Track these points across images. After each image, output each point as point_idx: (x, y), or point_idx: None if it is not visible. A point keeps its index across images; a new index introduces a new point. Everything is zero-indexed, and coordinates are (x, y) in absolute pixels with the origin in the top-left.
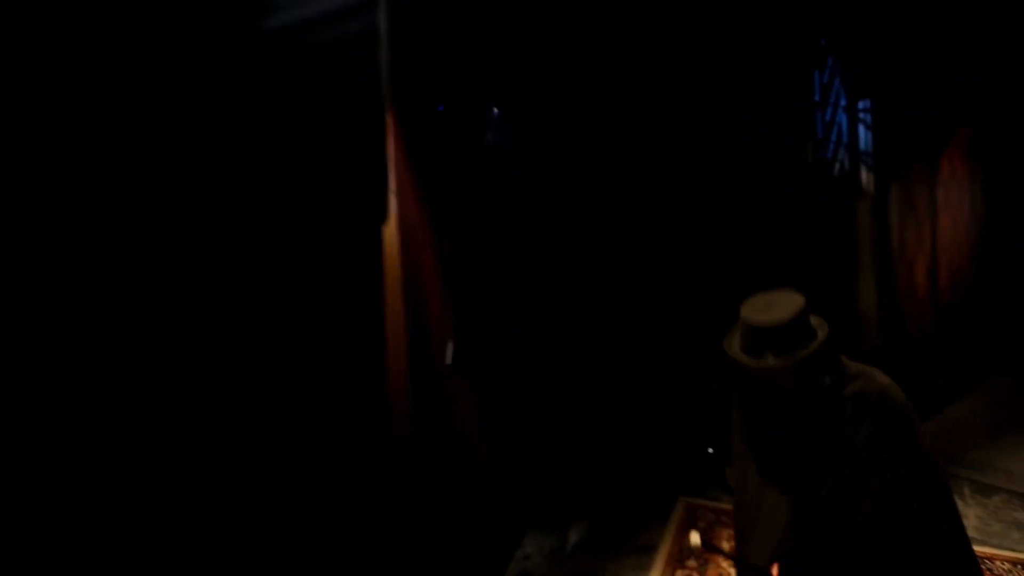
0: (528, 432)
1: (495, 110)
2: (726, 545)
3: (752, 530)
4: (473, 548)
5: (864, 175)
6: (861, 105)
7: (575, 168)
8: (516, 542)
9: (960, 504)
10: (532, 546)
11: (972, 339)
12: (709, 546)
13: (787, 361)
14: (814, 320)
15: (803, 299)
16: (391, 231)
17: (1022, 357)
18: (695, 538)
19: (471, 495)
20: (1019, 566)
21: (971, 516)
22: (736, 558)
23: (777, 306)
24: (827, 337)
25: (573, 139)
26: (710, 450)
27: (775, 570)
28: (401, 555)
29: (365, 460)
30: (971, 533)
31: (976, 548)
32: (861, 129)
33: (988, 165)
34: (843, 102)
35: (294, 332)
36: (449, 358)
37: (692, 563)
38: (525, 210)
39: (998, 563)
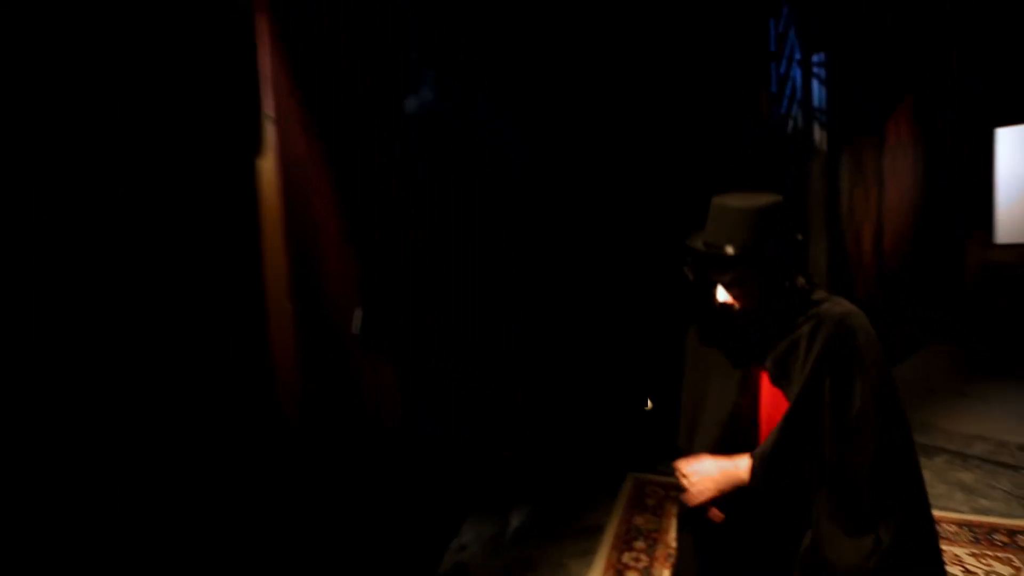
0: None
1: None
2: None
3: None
4: (401, 541)
5: (817, 133)
6: (815, 59)
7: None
8: (453, 530)
9: None
10: (470, 535)
11: (912, 305)
12: None
13: (747, 255)
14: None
15: (783, 200)
16: (269, 167)
17: (959, 322)
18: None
19: (392, 481)
20: (965, 527)
21: None
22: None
23: (753, 198)
24: (798, 243)
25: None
26: (648, 405)
27: (715, 511)
28: (308, 553)
29: (244, 446)
30: None
31: None
32: (815, 84)
33: (930, 132)
34: (797, 55)
35: (141, 295)
36: (357, 327)
37: (640, 544)
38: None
39: (944, 525)
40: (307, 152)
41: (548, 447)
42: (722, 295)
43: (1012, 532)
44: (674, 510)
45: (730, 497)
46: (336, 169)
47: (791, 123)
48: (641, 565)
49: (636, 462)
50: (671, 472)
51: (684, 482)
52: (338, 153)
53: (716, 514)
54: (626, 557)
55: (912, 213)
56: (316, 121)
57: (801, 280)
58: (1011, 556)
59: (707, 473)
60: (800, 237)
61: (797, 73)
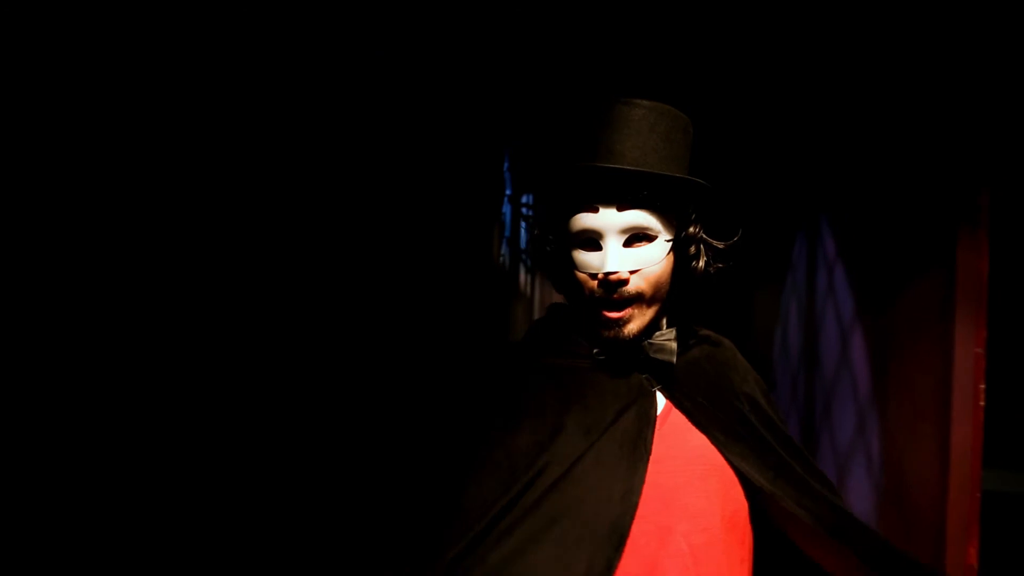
0: None
1: None
2: None
3: None
4: None
5: (523, 276)
6: (524, 199)
7: None
8: None
9: None
10: None
11: None
12: None
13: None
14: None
15: None
16: None
17: None
18: None
19: None
20: None
21: None
22: None
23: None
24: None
25: None
26: None
27: None
28: None
29: None
30: None
31: None
32: (523, 226)
33: None
34: (508, 190)
35: None
36: None
37: None
38: None
39: None
40: None
41: None
42: (615, 262)
43: None
44: None
45: None
46: None
47: (502, 261)
48: None
49: None
50: None
51: None
52: None
53: None
54: None
55: None
56: None
57: None
58: None
59: None
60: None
61: (507, 209)
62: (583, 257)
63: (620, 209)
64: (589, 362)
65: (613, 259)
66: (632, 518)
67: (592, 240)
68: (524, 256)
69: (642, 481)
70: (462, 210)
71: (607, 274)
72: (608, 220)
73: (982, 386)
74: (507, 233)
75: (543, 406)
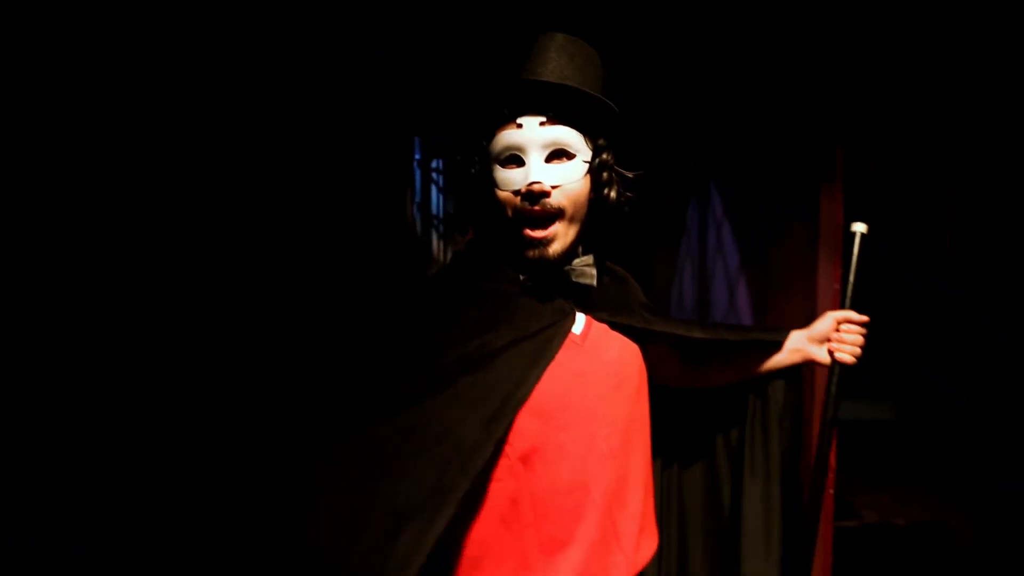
0: None
1: None
2: None
3: None
4: None
5: (435, 241)
6: (434, 164)
7: None
8: None
9: None
10: None
11: None
12: None
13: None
14: None
15: None
16: None
17: None
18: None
19: None
20: None
21: None
22: None
23: None
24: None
25: None
26: None
27: None
28: None
29: None
30: None
31: None
32: (433, 191)
33: None
34: (417, 154)
35: None
36: None
37: None
38: None
39: None
40: None
41: None
42: (538, 173)
43: None
44: None
45: None
46: None
47: (414, 227)
48: None
49: None
50: None
51: None
52: None
53: None
54: None
55: None
56: None
57: None
58: None
59: None
60: None
61: (417, 173)
62: (506, 175)
63: (542, 125)
64: (516, 287)
65: (536, 171)
66: (527, 395)
67: (515, 156)
68: (436, 223)
69: (542, 372)
70: (372, 176)
71: (530, 184)
72: (531, 135)
73: None
74: (417, 199)
75: (472, 322)
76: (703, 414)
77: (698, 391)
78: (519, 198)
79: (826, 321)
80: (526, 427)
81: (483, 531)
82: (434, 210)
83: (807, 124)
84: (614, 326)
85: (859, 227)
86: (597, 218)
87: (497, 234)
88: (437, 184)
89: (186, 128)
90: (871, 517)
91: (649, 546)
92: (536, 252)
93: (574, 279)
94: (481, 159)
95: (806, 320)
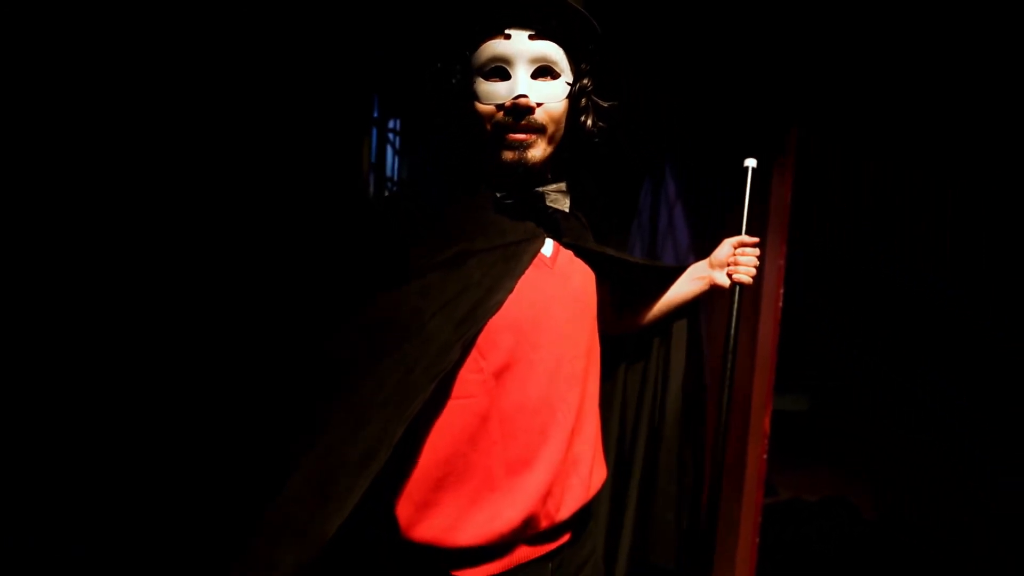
0: None
1: None
2: None
3: None
4: None
5: None
6: (391, 124)
7: None
8: None
9: None
10: None
11: None
12: None
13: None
14: None
15: None
16: None
17: None
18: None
19: None
20: None
21: None
22: None
23: None
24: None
25: None
26: None
27: None
28: None
29: None
30: None
31: None
32: (389, 151)
33: None
34: (375, 112)
35: None
36: None
37: None
38: None
39: None
40: None
41: None
42: (525, 87)
43: None
44: None
45: None
46: None
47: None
48: None
49: None
50: None
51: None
52: None
53: None
54: None
55: None
56: None
57: None
58: None
59: None
60: None
61: (373, 133)
62: (489, 88)
63: (531, 38)
64: (489, 203)
65: (523, 84)
66: (498, 305)
67: (500, 69)
68: (390, 184)
69: (513, 284)
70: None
71: (517, 98)
72: (519, 47)
73: (781, 291)
74: (373, 159)
75: (443, 232)
76: (616, 358)
77: (611, 339)
78: (501, 112)
79: (724, 248)
80: (502, 341)
81: (452, 449)
82: (388, 172)
83: (764, 103)
84: (579, 252)
85: (751, 162)
86: (570, 144)
87: (472, 150)
88: (393, 145)
89: (133, 94)
90: (785, 494)
91: (600, 473)
92: (515, 155)
93: (548, 203)
94: (463, 70)
95: (750, 297)
